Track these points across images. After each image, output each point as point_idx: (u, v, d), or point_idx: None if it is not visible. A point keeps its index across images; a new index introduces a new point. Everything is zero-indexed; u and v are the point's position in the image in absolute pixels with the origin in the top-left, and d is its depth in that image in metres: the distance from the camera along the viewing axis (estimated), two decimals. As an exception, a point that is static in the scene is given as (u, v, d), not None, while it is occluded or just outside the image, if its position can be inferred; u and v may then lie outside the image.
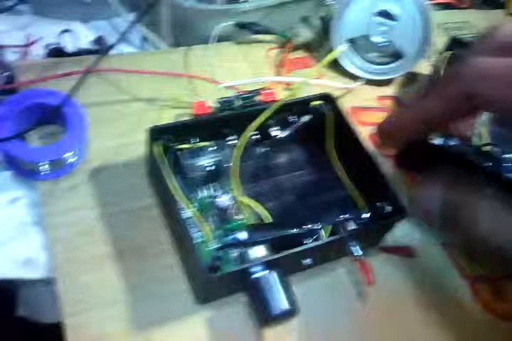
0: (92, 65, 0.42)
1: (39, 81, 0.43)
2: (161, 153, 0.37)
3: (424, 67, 0.55)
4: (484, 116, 0.43)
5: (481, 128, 0.48)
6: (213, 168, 0.40)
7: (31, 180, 0.40)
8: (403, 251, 0.44)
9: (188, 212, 0.38)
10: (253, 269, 0.35)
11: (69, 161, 0.40)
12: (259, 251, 0.36)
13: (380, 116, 0.52)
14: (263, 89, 0.43)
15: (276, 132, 0.42)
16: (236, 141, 0.41)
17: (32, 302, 0.41)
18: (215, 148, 0.41)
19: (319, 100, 0.42)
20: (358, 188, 0.43)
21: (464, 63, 0.30)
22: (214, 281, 0.35)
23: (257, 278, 0.35)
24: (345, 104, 0.50)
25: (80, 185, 0.40)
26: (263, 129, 0.42)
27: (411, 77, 0.55)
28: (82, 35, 0.52)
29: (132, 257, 0.39)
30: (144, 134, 0.38)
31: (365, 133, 0.49)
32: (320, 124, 0.42)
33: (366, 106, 0.53)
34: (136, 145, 0.42)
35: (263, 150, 0.43)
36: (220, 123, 0.40)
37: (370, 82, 0.54)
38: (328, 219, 0.40)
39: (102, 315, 0.36)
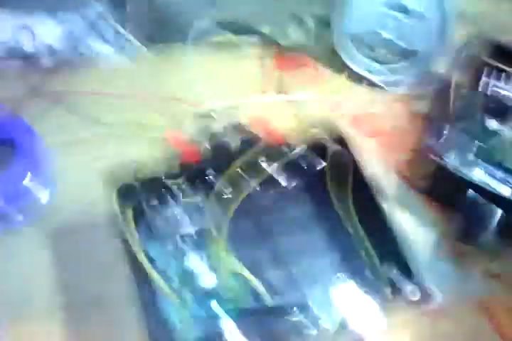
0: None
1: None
2: (131, 218, 0.31)
3: (441, 67, 0.48)
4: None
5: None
6: (196, 235, 0.33)
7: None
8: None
9: (163, 291, 0.31)
10: None
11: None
12: None
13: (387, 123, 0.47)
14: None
15: (281, 181, 0.35)
16: (229, 195, 0.34)
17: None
18: (200, 205, 0.34)
19: (333, 143, 0.36)
20: (375, 254, 0.35)
21: None
22: None
23: None
24: (348, 110, 0.46)
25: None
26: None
27: (427, 79, 0.48)
28: (46, 31, 0.45)
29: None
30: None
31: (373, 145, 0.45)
32: (335, 173, 0.36)
33: (372, 112, 0.47)
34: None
35: (262, 203, 0.36)
36: (211, 173, 0.34)
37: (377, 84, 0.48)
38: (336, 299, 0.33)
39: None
